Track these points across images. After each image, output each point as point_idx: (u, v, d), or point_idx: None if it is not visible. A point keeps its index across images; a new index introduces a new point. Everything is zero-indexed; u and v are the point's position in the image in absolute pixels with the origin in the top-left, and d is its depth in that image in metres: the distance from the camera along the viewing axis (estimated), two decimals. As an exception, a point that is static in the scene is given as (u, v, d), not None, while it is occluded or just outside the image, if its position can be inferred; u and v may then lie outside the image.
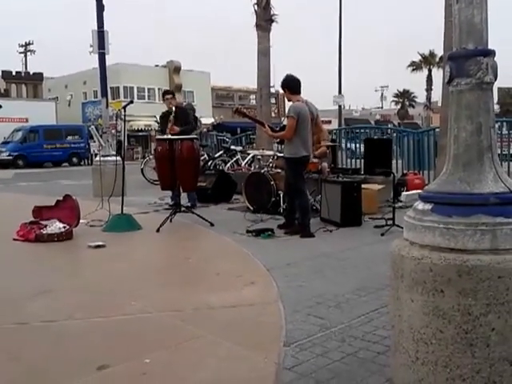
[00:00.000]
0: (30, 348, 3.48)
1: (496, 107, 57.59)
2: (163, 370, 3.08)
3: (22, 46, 62.04)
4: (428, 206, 2.46)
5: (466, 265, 2.25)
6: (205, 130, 20.11)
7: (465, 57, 2.42)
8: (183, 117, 9.54)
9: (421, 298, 2.35)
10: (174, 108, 9.46)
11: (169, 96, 9.71)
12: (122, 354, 3.35)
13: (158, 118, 9.91)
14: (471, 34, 2.43)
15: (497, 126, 12.41)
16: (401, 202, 9.48)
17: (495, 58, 2.45)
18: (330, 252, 6.15)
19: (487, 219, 2.29)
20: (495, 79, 2.44)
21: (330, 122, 32.47)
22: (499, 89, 59.47)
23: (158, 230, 7.48)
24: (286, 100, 8.02)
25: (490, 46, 2.46)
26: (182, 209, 8.26)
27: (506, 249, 2.28)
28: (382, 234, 7.00)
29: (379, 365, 3.06)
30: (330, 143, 9.75)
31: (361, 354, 3.24)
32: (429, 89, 55.39)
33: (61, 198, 7.73)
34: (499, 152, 11.31)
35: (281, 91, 7.84)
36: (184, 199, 9.53)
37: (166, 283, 5.14)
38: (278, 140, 8.08)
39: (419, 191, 2.69)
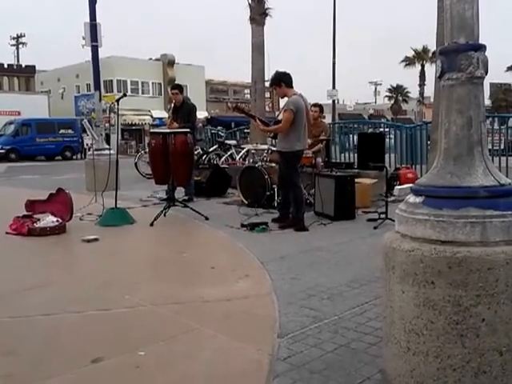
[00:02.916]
0: (24, 342, 3.49)
1: (488, 102, 57.74)
2: (157, 362, 3.10)
3: (13, 38, 61.70)
4: (419, 199, 2.48)
5: (457, 257, 2.27)
6: (200, 125, 20.10)
7: (456, 51, 2.44)
8: (184, 114, 9.53)
9: (412, 290, 2.38)
10: (174, 104, 9.51)
11: (174, 91, 9.75)
12: (116, 347, 3.38)
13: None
14: (462, 28, 2.44)
15: (488, 121, 12.48)
16: (394, 195, 9.54)
17: (486, 53, 2.47)
18: (323, 245, 6.18)
19: (477, 212, 2.31)
20: (486, 74, 2.45)
21: (324, 116, 32.39)
22: (491, 84, 59.61)
23: (151, 224, 7.49)
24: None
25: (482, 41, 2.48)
26: (176, 203, 8.27)
27: (496, 241, 2.30)
28: (375, 228, 7.05)
29: (371, 355, 3.10)
30: (324, 137, 9.81)
31: (353, 344, 3.28)
32: (422, 84, 55.37)
33: (54, 192, 7.74)
34: (490, 147, 11.45)
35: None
36: (181, 193, 9.57)
37: (161, 277, 5.15)
38: (272, 134, 8.09)
39: (412, 185, 2.71)
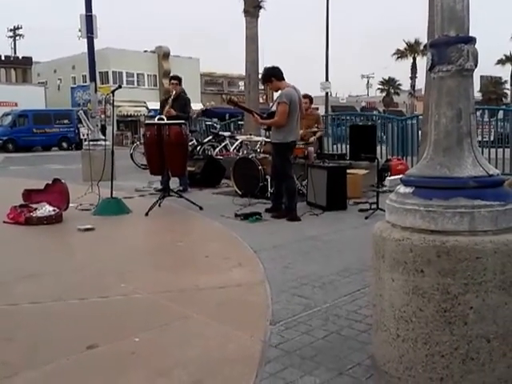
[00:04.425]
0: (20, 329, 3.52)
1: (478, 95, 57.72)
2: (152, 349, 3.14)
3: (10, 30, 61.53)
4: (409, 190, 2.50)
5: (445, 246, 2.29)
6: (194, 116, 20.11)
7: (446, 44, 2.45)
8: (181, 105, 9.63)
9: (401, 278, 2.40)
10: (174, 93, 9.60)
11: (174, 81, 9.90)
12: (111, 333, 3.41)
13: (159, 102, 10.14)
14: (453, 21, 2.45)
15: (478, 113, 12.55)
16: (385, 186, 9.60)
17: (476, 46, 2.49)
18: (315, 235, 6.23)
19: (466, 202, 2.34)
20: (476, 66, 2.47)
21: (317, 108, 32.44)
22: (482, 77, 59.68)
23: (146, 214, 7.52)
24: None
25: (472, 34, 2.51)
26: (171, 193, 8.30)
27: (484, 230, 2.32)
28: (366, 218, 7.10)
29: (362, 342, 3.15)
30: (319, 130, 9.85)
31: (344, 332, 3.33)
32: (413, 77, 55.34)
33: (50, 182, 7.76)
34: (480, 139, 11.51)
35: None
36: (175, 183, 9.60)
37: (155, 265, 5.20)
38: (266, 126, 8.12)
39: (402, 176, 2.74)
